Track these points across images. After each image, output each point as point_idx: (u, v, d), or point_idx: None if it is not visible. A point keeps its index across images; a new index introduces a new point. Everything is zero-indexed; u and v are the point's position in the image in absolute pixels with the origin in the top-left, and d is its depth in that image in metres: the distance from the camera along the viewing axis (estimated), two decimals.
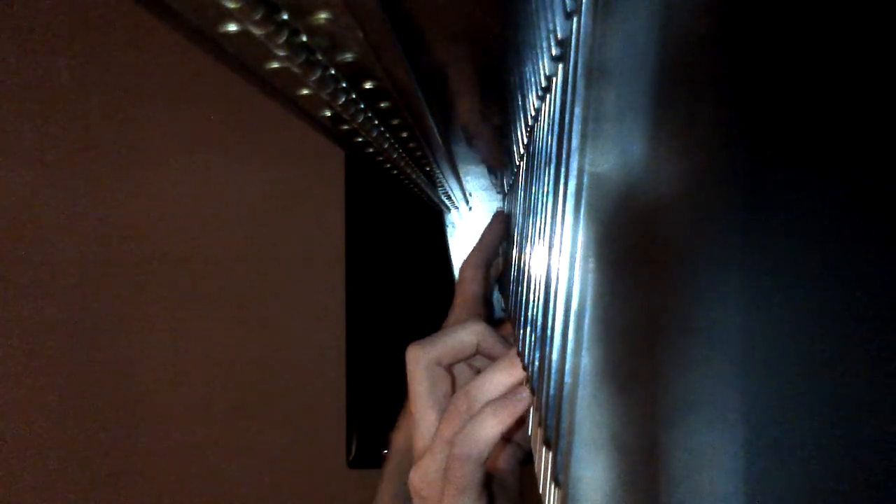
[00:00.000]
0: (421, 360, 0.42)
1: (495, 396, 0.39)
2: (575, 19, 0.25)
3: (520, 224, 0.49)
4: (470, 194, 0.79)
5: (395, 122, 0.43)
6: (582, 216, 0.22)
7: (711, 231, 0.14)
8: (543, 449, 0.28)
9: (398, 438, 0.56)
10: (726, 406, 0.12)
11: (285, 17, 0.25)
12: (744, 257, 0.12)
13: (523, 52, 0.33)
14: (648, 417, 0.16)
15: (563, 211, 0.25)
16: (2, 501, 1.02)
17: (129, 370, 1.03)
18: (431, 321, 0.78)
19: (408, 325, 0.89)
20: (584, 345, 0.21)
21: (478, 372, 0.44)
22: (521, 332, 0.41)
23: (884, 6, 0.09)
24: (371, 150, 0.51)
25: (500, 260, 0.62)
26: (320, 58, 0.30)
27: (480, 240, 0.60)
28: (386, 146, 0.47)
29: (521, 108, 0.42)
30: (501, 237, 0.61)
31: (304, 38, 0.27)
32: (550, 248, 0.29)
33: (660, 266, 0.16)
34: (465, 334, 0.43)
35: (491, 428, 0.37)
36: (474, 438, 0.37)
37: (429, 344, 0.43)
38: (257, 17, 0.23)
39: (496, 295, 0.67)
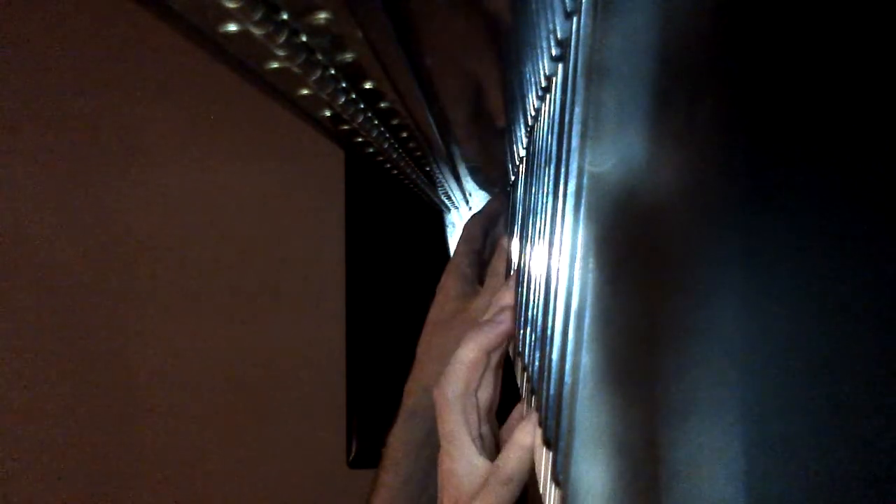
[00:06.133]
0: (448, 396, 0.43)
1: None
2: (575, 19, 0.25)
3: (520, 224, 0.49)
4: (470, 194, 0.79)
5: (395, 122, 0.43)
6: (582, 216, 0.22)
7: (711, 231, 0.14)
8: (543, 449, 0.28)
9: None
10: (726, 406, 0.12)
11: (285, 17, 0.25)
12: (743, 257, 0.12)
13: (523, 52, 0.32)
14: (648, 417, 0.16)
15: (563, 211, 0.25)
16: (2, 501, 1.02)
17: (128, 370, 1.03)
18: None
19: (408, 325, 0.89)
20: (584, 345, 0.21)
21: None
22: (521, 332, 0.41)
23: (883, 6, 0.09)
24: (371, 150, 0.51)
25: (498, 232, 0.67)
26: (320, 58, 0.30)
27: (485, 205, 0.67)
28: (386, 146, 0.47)
29: (521, 108, 0.42)
30: (503, 206, 0.67)
31: (304, 38, 0.27)
32: (550, 248, 0.29)
33: (660, 266, 0.16)
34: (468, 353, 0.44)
35: (470, 350, 0.42)
36: (458, 359, 0.42)
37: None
38: (257, 17, 0.23)
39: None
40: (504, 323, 0.43)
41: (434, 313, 0.60)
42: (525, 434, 0.36)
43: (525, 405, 0.39)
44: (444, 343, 0.57)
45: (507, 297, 0.46)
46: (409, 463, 0.55)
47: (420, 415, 0.56)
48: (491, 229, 0.65)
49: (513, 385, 0.46)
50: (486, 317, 0.46)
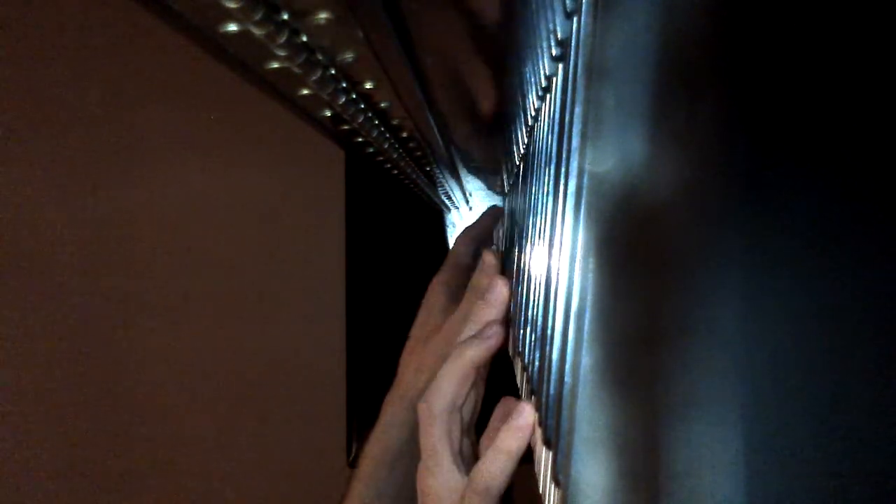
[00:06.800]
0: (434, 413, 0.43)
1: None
2: (575, 19, 0.25)
3: (520, 224, 0.49)
4: (470, 194, 0.79)
5: (395, 122, 0.43)
6: (582, 216, 0.22)
7: (711, 231, 0.14)
8: (543, 449, 0.28)
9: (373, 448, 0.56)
10: (726, 406, 0.12)
11: (285, 17, 0.25)
12: (743, 257, 0.12)
13: (523, 52, 0.33)
14: (648, 417, 0.16)
15: (563, 211, 0.25)
16: (2, 501, 1.02)
17: (128, 370, 1.03)
18: None
19: (408, 326, 0.89)
20: (584, 345, 0.21)
21: None
22: (521, 332, 0.41)
23: (882, 6, 0.09)
24: (371, 150, 0.51)
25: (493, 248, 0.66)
26: (320, 58, 0.30)
27: (478, 220, 0.67)
28: (386, 146, 0.47)
29: (521, 108, 0.42)
30: (496, 221, 0.68)
31: (304, 38, 0.27)
32: (550, 248, 0.29)
33: (660, 266, 0.16)
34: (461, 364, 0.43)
35: (459, 365, 0.41)
36: (453, 362, 0.42)
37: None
38: (257, 17, 0.23)
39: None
40: (493, 338, 0.42)
41: (416, 328, 0.60)
42: (509, 439, 0.36)
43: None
44: (422, 358, 0.56)
45: (489, 313, 0.45)
46: (384, 475, 0.55)
47: (397, 427, 0.55)
48: (483, 243, 0.64)
49: (513, 385, 0.46)
50: (468, 332, 0.44)
